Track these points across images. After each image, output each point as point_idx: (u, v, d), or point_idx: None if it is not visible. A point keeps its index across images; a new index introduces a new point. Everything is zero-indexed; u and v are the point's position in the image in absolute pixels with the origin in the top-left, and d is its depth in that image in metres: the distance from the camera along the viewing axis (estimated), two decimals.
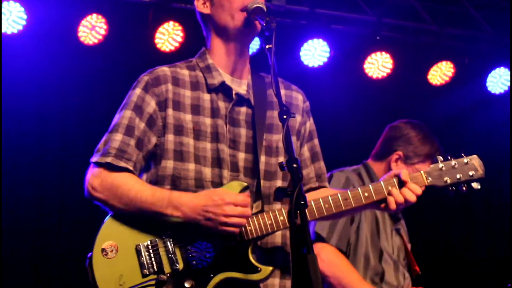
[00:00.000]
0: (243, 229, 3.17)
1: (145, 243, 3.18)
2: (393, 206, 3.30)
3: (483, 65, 7.76)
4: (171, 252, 3.17)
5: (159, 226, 3.19)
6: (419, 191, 3.33)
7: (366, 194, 3.31)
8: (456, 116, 7.98)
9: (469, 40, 7.76)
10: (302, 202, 2.71)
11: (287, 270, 3.34)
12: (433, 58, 7.67)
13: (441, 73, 7.70)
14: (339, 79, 7.54)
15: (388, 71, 7.52)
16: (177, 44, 6.89)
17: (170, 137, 3.29)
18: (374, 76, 7.54)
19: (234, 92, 3.40)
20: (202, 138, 3.31)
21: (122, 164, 3.24)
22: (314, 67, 7.33)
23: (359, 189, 3.32)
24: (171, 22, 6.87)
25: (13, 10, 6.36)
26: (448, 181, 3.40)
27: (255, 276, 3.18)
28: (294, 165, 2.81)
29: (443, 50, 7.66)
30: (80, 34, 6.63)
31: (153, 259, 3.16)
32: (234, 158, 3.31)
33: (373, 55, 7.49)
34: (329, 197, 3.29)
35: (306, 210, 3.16)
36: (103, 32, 6.68)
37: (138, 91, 3.34)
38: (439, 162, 3.41)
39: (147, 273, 3.15)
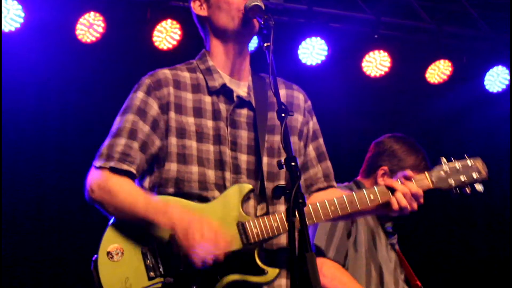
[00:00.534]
0: (249, 232, 3.17)
1: (151, 246, 3.17)
2: (396, 206, 3.31)
3: (481, 64, 7.76)
4: (178, 254, 3.13)
5: (165, 229, 3.16)
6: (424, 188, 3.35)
7: (371, 197, 3.32)
8: (454, 115, 7.98)
9: (467, 39, 7.76)
10: (301, 201, 2.71)
11: None
12: (431, 57, 7.66)
13: (439, 71, 7.70)
14: (337, 77, 7.53)
15: (386, 69, 7.52)
16: (175, 42, 6.88)
17: (173, 140, 3.28)
18: (372, 75, 7.54)
19: (235, 95, 3.38)
20: (204, 141, 3.30)
21: (125, 167, 3.23)
22: (312, 65, 7.33)
23: (364, 191, 3.33)
24: (169, 20, 6.85)
25: (11, 8, 6.34)
26: (453, 183, 3.42)
27: (261, 278, 3.18)
28: (292, 163, 2.81)
29: (441, 49, 7.65)
30: (78, 32, 6.62)
31: (159, 261, 3.15)
32: (236, 160, 3.30)
33: (371, 53, 7.48)
34: (335, 199, 3.29)
35: (310, 212, 3.18)
36: (101, 30, 6.66)
37: (140, 94, 3.32)
38: (443, 164, 3.42)
39: (154, 275, 3.13)
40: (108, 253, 3.16)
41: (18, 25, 6.38)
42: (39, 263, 6.76)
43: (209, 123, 3.33)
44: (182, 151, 3.27)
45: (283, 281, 3.29)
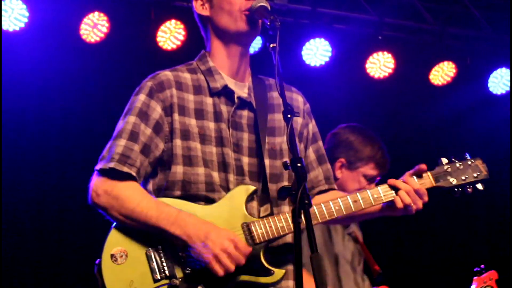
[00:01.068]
0: (255, 232, 3.16)
1: (156, 248, 3.15)
2: (400, 204, 3.31)
3: (484, 66, 7.77)
4: (183, 256, 3.13)
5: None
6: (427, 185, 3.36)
7: (375, 196, 3.33)
8: (457, 116, 7.98)
9: (471, 41, 7.76)
10: (306, 202, 2.70)
11: None
12: (435, 58, 7.67)
13: (442, 73, 7.70)
14: (340, 78, 7.53)
15: (390, 71, 7.52)
16: (178, 43, 6.88)
17: (177, 142, 3.26)
18: (376, 76, 7.54)
19: (236, 96, 3.37)
20: (207, 143, 3.28)
21: (125, 169, 3.19)
22: (315, 66, 7.33)
23: (368, 191, 3.33)
24: (173, 21, 6.85)
25: (15, 7, 6.33)
26: (454, 182, 3.42)
27: (268, 279, 3.17)
28: (298, 164, 2.81)
29: (445, 50, 7.66)
30: (82, 32, 6.62)
31: (164, 263, 3.13)
32: (239, 162, 3.29)
33: (374, 54, 7.48)
34: (339, 200, 3.30)
35: (315, 212, 3.18)
36: (105, 30, 6.67)
37: (142, 97, 3.29)
38: (444, 164, 3.43)
39: (159, 278, 3.11)
40: (112, 255, 3.13)
41: (22, 25, 6.37)
42: (39, 263, 6.76)
43: (211, 125, 3.31)
44: (188, 152, 3.25)
45: (290, 283, 3.29)
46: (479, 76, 7.80)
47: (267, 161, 3.33)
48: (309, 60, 7.30)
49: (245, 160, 3.31)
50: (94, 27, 6.64)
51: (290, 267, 3.27)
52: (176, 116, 3.28)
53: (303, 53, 7.28)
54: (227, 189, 3.25)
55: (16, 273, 6.66)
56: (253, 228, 3.18)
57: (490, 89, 7.78)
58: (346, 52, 7.42)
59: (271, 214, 3.24)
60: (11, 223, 6.60)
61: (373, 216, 3.48)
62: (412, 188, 3.33)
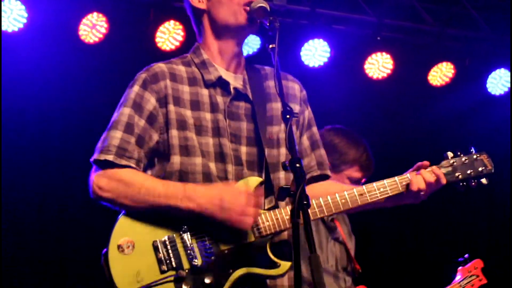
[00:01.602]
0: (262, 225, 3.17)
1: (163, 239, 3.14)
2: (414, 187, 3.31)
3: (483, 66, 7.76)
4: (190, 247, 3.14)
5: (176, 221, 3.16)
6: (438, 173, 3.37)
7: (382, 190, 3.34)
8: (456, 117, 7.98)
9: (469, 41, 7.76)
10: (305, 202, 2.71)
11: None
12: (433, 59, 7.67)
13: (441, 74, 7.70)
14: (339, 79, 7.54)
15: (389, 71, 7.52)
16: (177, 43, 6.89)
17: (174, 133, 3.27)
18: (375, 77, 7.54)
19: (231, 87, 3.38)
20: (204, 134, 3.29)
21: (124, 162, 3.20)
22: (314, 67, 7.33)
23: (374, 184, 3.35)
24: (172, 21, 6.86)
25: (14, 8, 6.34)
26: (460, 177, 3.43)
27: (275, 271, 3.17)
28: (297, 165, 2.81)
29: (443, 51, 7.66)
30: (80, 32, 6.62)
31: (171, 254, 3.13)
32: (236, 152, 3.30)
33: (373, 55, 7.49)
34: (345, 193, 3.31)
35: (316, 208, 3.18)
36: (103, 30, 6.67)
37: (136, 88, 3.31)
38: (450, 158, 3.43)
39: (166, 269, 3.11)
40: (119, 246, 3.13)
41: (21, 26, 6.38)
42: (39, 263, 6.76)
43: (207, 116, 3.32)
44: (185, 143, 3.26)
45: (290, 274, 3.26)
46: (478, 77, 7.80)
47: (266, 151, 3.33)
48: (308, 61, 7.31)
49: (244, 149, 3.32)
50: (93, 27, 6.64)
51: (291, 258, 3.22)
52: (171, 107, 3.29)
53: (301, 53, 7.29)
54: (226, 180, 3.25)
55: (16, 273, 6.67)
56: (259, 220, 3.18)
57: (489, 90, 7.78)
58: (344, 52, 7.42)
59: (276, 206, 3.24)
60: (11, 223, 6.61)
61: (377, 206, 3.51)
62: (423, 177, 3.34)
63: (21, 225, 6.73)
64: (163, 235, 3.15)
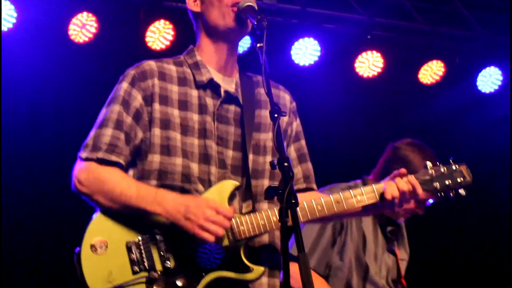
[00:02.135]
0: (236, 229, 3.16)
1: (136, 240, 3.15)
2: (388, 196, 3.30)
3: (473, 64, 7.78)
4: (163, 249, 3.14)
5: (150, 222, 3.16)
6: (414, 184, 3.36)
7: (358, 198, 3.34)
8: (446, 115, 7.98)
9: (459, 40, 7.77)
10: (293, 201, 2.71)
11: (275, 269, 3.34)
12: (423, 57, 7.68)
13: (431, 72, 7.72)
14: (330, 77, 7.54)
15: (379, 70, 7.53)
16: (167, 43, 6.88)
17: (156, 131, 3.27)
18: (365, 75, 7.54)
19: (222, 90, 3.38)
20: (189, 134, 3.29)
21: (114, 158, 3.22)
22: (305, 65, 7.33)
23: (351, 191, 3.34)
24: (162, 21, 6.84)
25: (3, 8, 6.32)
26: (438, 187, 3.45)
27: (247, 276, 3.18)
28: (285, 164, 2.81)
29: (433, 49, 7.67)
30: (70, 32, 6.61)
31: (144, 256, 3.13)
32: (221, 155, 3.30)
33: (364, 54, 7.49)
34: (322, 199, 3.30)
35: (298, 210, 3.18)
36: (93, 30, 6.66)
37: (124, 85, 3.32)
38: (429, 168, 3.45)
39: (138, 270, 3.12)
40: (92, 246, 3.14)
41: (10, 25, 6.37)
42: (39, 263, 6.76)
43: (195, 117, 3.32)
44: (166, 142, 3.26)
45: (264, 280, 3.30)
46: (468, 75, 7.82)
47: (250, 156, 3.34)
48: (298, 60, 7.31)
49: (229, 153, 3.32)
50: (82, 27, 6.63)
51: (265, 264, 3.26)
52: (156, 105, 3.29)
53: (292, 52, 7.28)
54: (208, 182, 3.25)
55: (16, 273, 6.66)
56: (234, 224, 3.18)
57: (479, 88, 7.80)
58: (335, 51, 7.42)
59: (253, 210, 3.24)
60: (11, 223, 6.59)
61: (358, 215, 3.49)
62: (397, 184, 3.34)
63: (21, 225, 6.73)
64: (137, 236, 3.16)
